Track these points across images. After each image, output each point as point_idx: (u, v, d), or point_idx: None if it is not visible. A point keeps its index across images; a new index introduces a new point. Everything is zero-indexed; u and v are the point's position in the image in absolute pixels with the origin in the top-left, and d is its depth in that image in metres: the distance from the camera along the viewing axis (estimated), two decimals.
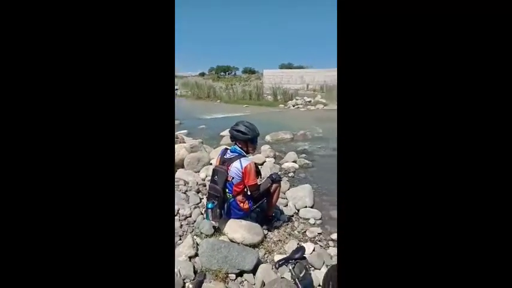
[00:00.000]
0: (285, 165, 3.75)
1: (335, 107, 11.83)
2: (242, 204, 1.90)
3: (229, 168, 1.83)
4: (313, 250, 1.87)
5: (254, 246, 1.80)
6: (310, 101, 12.76)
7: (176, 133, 4.80)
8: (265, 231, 2.02)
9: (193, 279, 1.45)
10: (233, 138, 1.94)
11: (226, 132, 5.46)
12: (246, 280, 1.52)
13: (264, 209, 2.15)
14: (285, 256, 1.43)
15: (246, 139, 1.90)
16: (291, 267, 1.29)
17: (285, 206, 2.47)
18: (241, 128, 1.89)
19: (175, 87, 20.32)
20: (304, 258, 1.37)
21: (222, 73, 36.67)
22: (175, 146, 3.56)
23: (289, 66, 24.60)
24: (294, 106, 12.04)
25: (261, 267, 1.55)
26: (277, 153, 4.31)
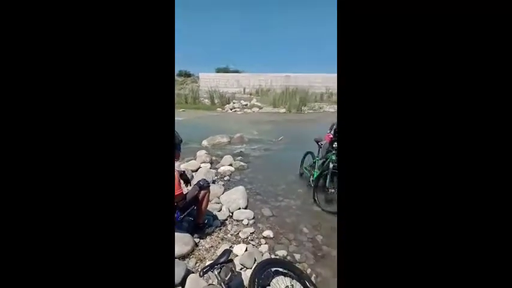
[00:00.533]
0: (221, 169, 3.75)
1: (269, 109, 12.33)
2: None
3: None
4: (246, 250, 1.92)
5: (183, 257, 1.73)
6: (246, 105, 13.11)
7: None
8: (197, 240, 1.97)
9: None
10: None
11: None
12: None
13: (194, 217, 2.10)
14: (210, 262, 1.42)
15: None
16: (216, 273, 1.29)
17: (219, 211, 2.47)
18: None
19: None
20: (231, 260, 1.40)
21: None
22: None
23: (226, 70, 24.76)
24: (231, 109, 12.16)
25: (190, 278, 1.50)
26: (213, 158, 4.26)
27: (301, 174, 3.56)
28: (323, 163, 2.98)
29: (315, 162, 3.21)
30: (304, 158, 3.61)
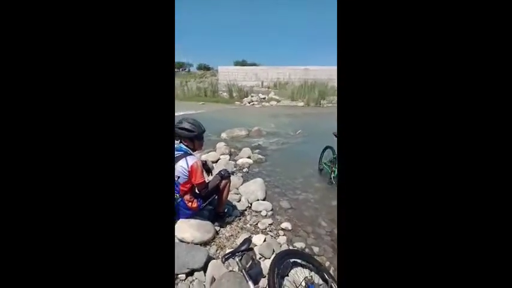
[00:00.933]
0: (240, 161, 3.81)
1: (287, 103, 12.22)
2: (190, 203, 1.87)
3: (175, 167, 1.79)
4: (264, 240, 1.95)
5: (205, 244, 1.80)
6: (264, 98, 13.07)
7: None
8: (218, 228, 2.04)
9: None
10: (178, 136, 1.89)
11: None
12: (196, 279, 1.52)
13: (215, 205, 2.16)
14: (232, 249, 1.47)
15: (192, 136, 1.87)
16: (237, 260, 1.33)
17: (238, 201, 2.52)
18: (186, 125, 1.85)
19: None
20: (251, 249, 1.44)
21: (176, 70, 35.09)
22: None
23: (244, 63, 24.73)
24: (249, 103, 12.18)
25: (212, 263, 1.56)
26: (232, 150, 4.33)
27: (320, 170, 3.46)
28: None
29: (335, 158, 3.09)
30: (323, 152, 3.47)
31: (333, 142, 3.23)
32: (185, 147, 1.87)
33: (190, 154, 1.86)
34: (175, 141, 1.91)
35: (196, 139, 1.90)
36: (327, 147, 3.42)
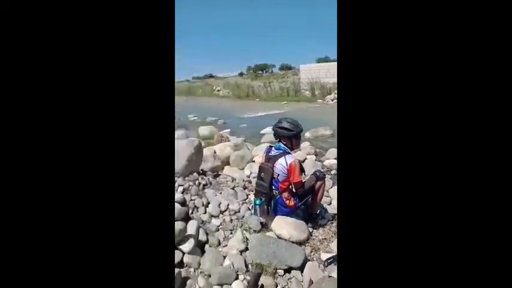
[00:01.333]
0: (327, 162, 3.68)
1: None
2: (288, 201, 1.94)
3: (275, 165, 1.88)
4: None
5: (300, 243, 1.83)
6: None
7: (221, 132, 5.06)
8: (310, 229, 2.03)
9: (246, 272, 1.55)
10: (277, 135, 1.98)
11: (266, 130, 5.55)
12: (294, 277, 1.57)
13: (308, 206, 2.17)
14: (333, 255, 1.43)
15: (291, 135, 1.93)
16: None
17: (329, 204, 2.44)
18: (285, 124, 1.92)
19: (218, 88, 21.27)
20: None
21: (260, 71, 36.98)
22: (221, 145, 3.77)
23: (327, 60, 23.67)
24: (332, 100, 11.59)
25: (309, 264, 1.58)
26: (317, 150, 4.24)
27: None
28: None
29: None
30: None
31: None
32: (284, 146, 1.94)
33: (289, 153, 1.92)
34: (274, 140, 2.01)
35: (294, 138, 1.95)
36: None
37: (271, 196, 1.93)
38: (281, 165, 1.86)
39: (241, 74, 36.17)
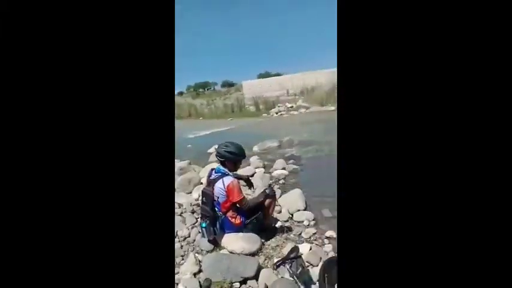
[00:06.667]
0: (275, 173, 3.87)
1: (317, 109, 11.95)
2: (234, 219, 2.02)
3: (214, 188, 1.98)
4: (310, 249, 1.98)
5: (253, 254, 1.89)
6: (292, 107, 13.10)
7: None
8: (263, 240, 2.12)
9: None
10: (221, 158, 2.05)
11: (213, 149, 5.55)
12: (250, 286, 1.61)
13: (260, 220, 2.26)
14: (281, 258, 1.54)
15: (237, 160, 2.07)
16: (288, 267, 1.40)
17: (279, 213, 2.58)
18: (233, 149, 2.02)
19: None
20: (300, 256, 1.49)
21: (201, 90, 36.79)
22: None
23: (267, 75, 25.18)
24: (277, 113, 12.32)
25: (263, 272, 1.64)
26: (266, 163, 4.42)
27: None
28: None
29: None
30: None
31: None
32: (223, 168, 2.04)
33: (227, 174, 2.03)
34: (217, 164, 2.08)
35: (238, 162, 2.10)
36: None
37: (216, 217, 2.01)
38: (219, 187, 1.97)
39: (180, 93, 35.28)
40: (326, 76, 17.05)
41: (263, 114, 12.70)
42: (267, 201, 2.14)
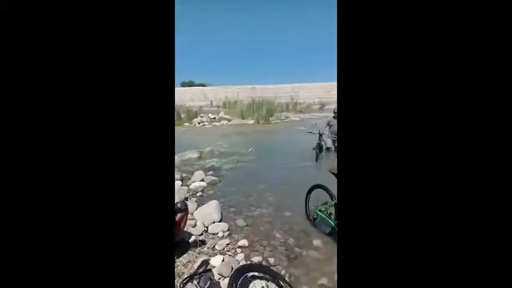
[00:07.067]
0: (193, 185, 3.77)
1: (237, 121, 12.40)
2: None
3: None
4: (223, 260, 2.01)
5: None
6: (214, 118, 13.19)
7: None
8: (175, 257, 2.01)
9: None
10: None
11: None
12: None
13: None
14: (189, 274, 1.50)
15: None
16: (195, 283, 1.37)
17: (194, 227, 2.52)
18: None
19: None
20: (209, 270, 1.49)
21: None
22: None
23: (191, 84, 24.62)
24: (199, 123, 12.12)
25: None
26: (184, 175, 4.26)
27: (313, 220, 2.53)
28: None
29: (337, 204, 2.17)
30: (309, 194, 2.61)
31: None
32: None
33: None
34: None
35: None
36: (316, 187, 2.51)
37: None
38: None
39: None
40: (247, 91, 18.06)
41: (185, 124, 12.26)
42: (178, 216, 2.05)
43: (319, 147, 5.04)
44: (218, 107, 17.28)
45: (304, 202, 2.69)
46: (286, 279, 1.79)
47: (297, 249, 2.21)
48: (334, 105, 5.31)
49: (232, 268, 1.88)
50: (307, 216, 2.64)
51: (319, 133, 5.05)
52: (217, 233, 2.44)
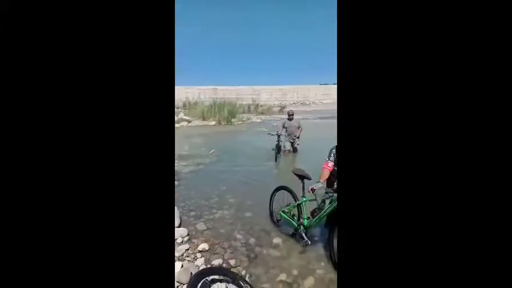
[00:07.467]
0: None
1: (198, 122, 12.15)
2: None
3: None
4: (181, 267, 1.94)
5: None
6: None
7: None
8: None
9: None
10: None
11: None
12: None
13: None
14: None
15: None
16: None
17: None
18: None
19: None
20: None
21: None
22: None
23: None
24: None
25: None
26: None
27: (277, 221, 2.58)
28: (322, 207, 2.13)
29: (300, 205, 2.23)
30: (273, 195, 2.66)
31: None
32: None
33: None
34: None
35: None
36: (280, 188, 2.56)
37: None
38: None
39: None
40: (208, 92, 17.78)
41: None
42: None
43: (278, 148, 5.26)
44: (177, 108, 16.62)
45: (267, 203, 2.76)
46: (247, 279, 1.81)
47: (257, 248, 2.24)
48: (290, 108, 5.41)
49: (191, 274, 1.83)
50: (271, 218, 2.68)
51: (277, 134, 5.36)
52: (176, 239, 2.35)
